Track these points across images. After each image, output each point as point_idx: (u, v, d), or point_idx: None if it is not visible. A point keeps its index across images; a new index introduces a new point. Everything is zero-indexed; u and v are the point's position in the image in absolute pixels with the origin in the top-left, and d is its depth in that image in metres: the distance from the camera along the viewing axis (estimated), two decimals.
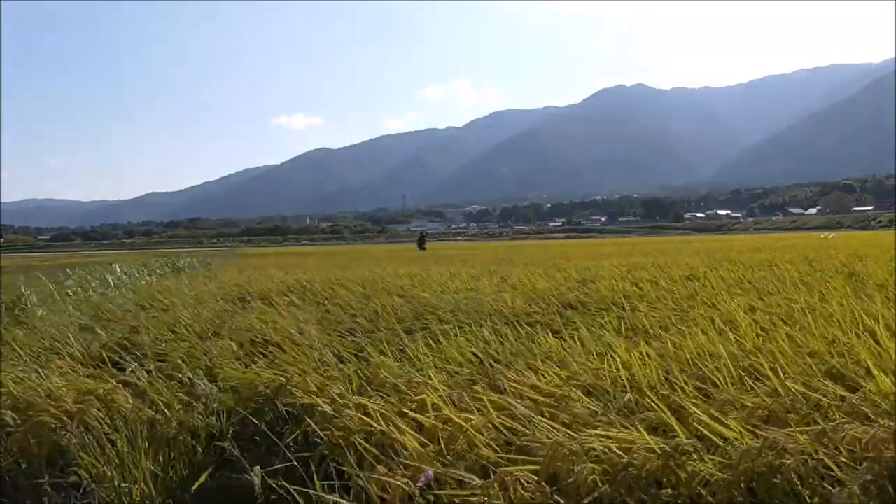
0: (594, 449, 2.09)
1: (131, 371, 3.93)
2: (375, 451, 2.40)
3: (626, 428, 2.29)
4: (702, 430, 2.23)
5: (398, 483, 2.11)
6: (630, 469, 1.93)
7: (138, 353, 4.60)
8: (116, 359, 4.47)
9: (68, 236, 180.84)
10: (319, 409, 2.81)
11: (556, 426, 2.37)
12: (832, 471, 1.90)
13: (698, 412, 2.34)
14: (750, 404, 2.45)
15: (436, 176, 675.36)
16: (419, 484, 2.09)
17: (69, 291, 10.50)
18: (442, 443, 2.38)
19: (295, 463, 2.53)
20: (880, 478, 1.75)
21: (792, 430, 2.08)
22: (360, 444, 2.44)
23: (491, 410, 2.56)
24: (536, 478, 2.02)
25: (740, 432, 2.17)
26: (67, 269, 14.47)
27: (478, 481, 2.05)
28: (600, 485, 1.95)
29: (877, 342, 3.20)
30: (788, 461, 1.87)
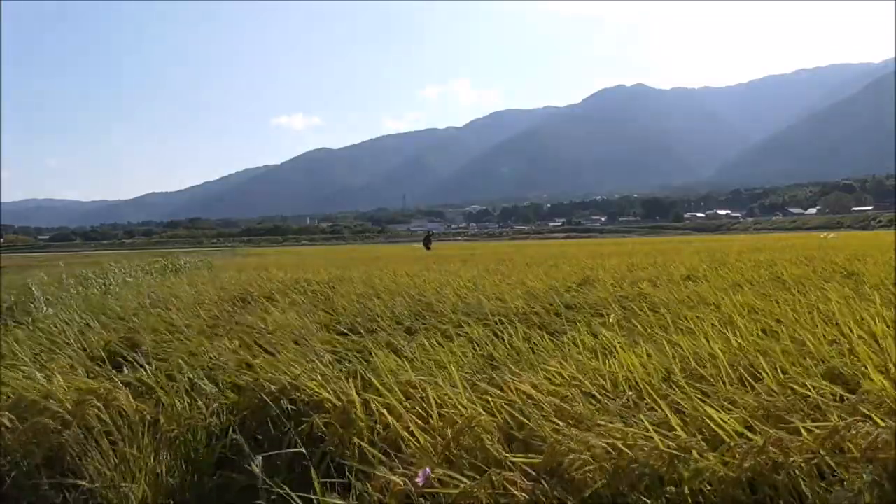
0: (596, 446, 2.09)
1: (131, 371, 3.93)
2: (378, 454, 2.39)
3: (627, 426, 2.29)
4: (703, 428, 2.22)
5: (396, 480, 2.10)
6: (634, 466, 1.94)
7: (139, 353, 4.60)
8: (117, 359, 4.47)
9: (68, 236, 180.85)
10: (322, 407, 2.81)
11: (559, 424, 2.37)
12: (835, 471, 1.90)
13: (698, 411, 2.34)
14: (750, 404, 2.45)
15: (436, 176, 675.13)
16: (418, 480, 2.09)
17: (69, 291, 10.49)
18: (447, 438, 2.38)
19: (295, 462, 2.53)
20: (880, 477, 1.75)
21: (795, 427, 2.08)
22: (362, 444, 2.44)
23: (494, 406, 2.56)
24: (535, 473, 2.02)
25: (742, 431, 2.17)
26: (67, 270, 14.45)
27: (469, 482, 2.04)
28: (602, 480, 1.95)
29: (877, 342, 3.20)
30: (792, 459, 1.87)
